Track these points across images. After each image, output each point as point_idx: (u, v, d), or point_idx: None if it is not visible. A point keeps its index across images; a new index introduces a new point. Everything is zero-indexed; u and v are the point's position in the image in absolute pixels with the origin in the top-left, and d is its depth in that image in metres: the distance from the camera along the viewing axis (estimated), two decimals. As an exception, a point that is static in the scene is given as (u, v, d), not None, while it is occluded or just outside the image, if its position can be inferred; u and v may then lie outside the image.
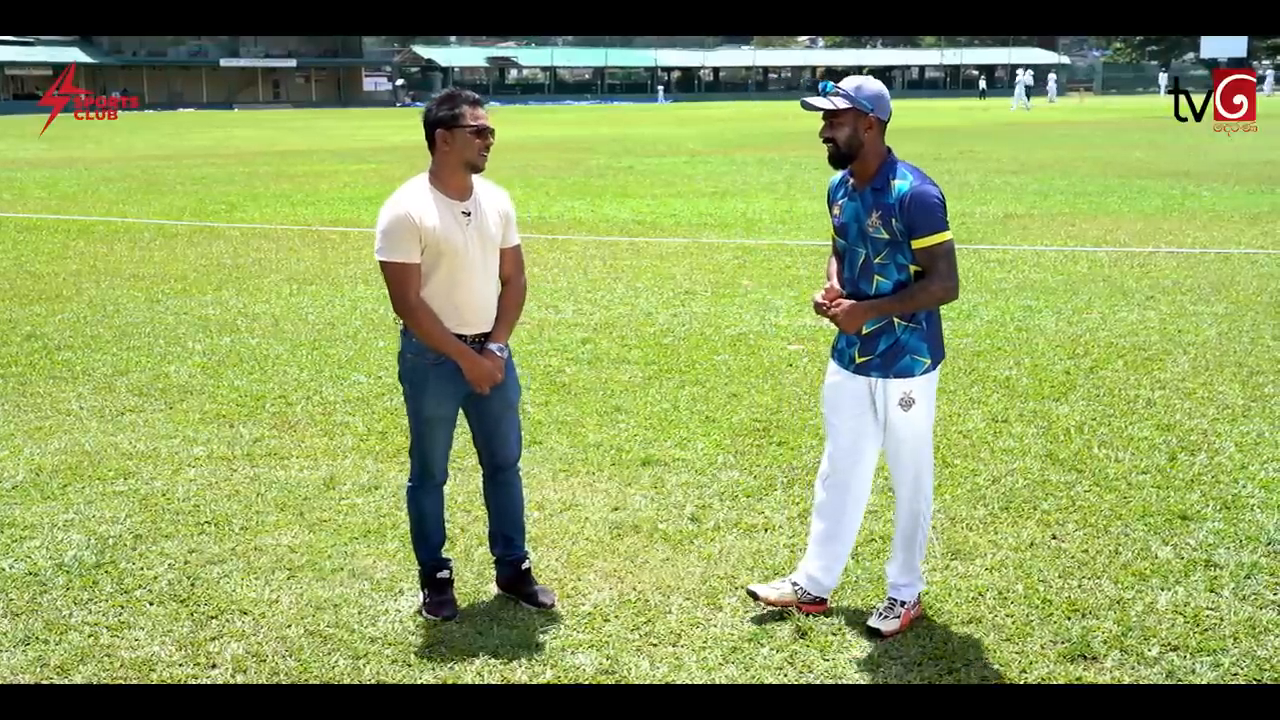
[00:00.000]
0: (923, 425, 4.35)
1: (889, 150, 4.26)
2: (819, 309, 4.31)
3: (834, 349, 4.48)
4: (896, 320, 4.25)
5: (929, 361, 4.29)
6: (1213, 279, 11.28)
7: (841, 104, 4.15)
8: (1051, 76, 73.08)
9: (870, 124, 4.18)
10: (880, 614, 4.46)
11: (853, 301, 4.25)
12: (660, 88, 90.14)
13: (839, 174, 4.43)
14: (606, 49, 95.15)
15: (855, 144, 4.19)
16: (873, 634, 4.39)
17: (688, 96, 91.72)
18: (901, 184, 4.16)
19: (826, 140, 4.22)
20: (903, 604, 4.47)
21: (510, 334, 4.55)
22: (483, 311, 4.44)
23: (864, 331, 4.28)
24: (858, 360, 4.32)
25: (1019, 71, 65.54)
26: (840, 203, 4.37)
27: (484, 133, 4.32)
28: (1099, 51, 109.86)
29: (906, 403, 4.28)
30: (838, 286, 4.35)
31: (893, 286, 4.23)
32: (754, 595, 4.56)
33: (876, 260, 4.23)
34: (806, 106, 4.27)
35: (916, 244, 4.16)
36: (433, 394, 4.43)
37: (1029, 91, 65.34)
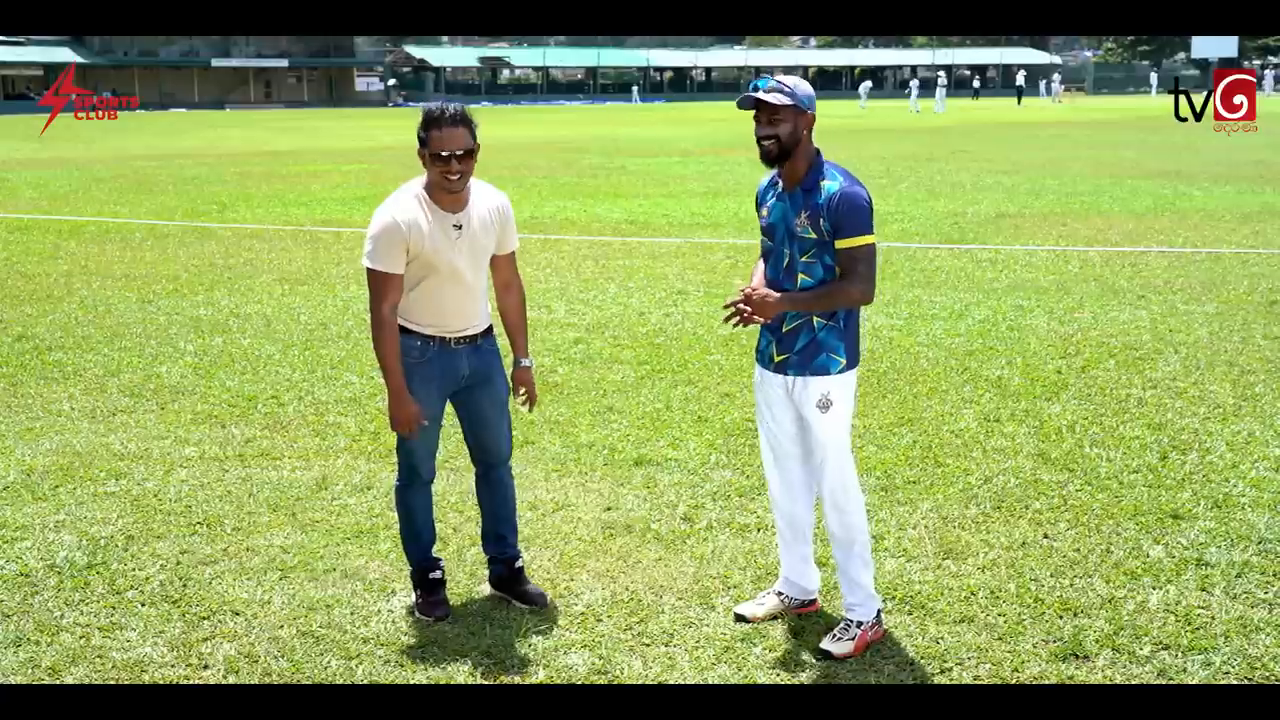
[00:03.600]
0: (842, 430, 4.28)
1: (818, 151, 4.24)
2: (739, 305, 4.16)
3: (756, 350, 4.45)
4: (815, 318, 4.21)
5: (845, 361, 4.24)
6: (1204, 278, 11.31)
7: (785, 101, 4.11)
8: (1056, 76, 73.56)
9: (808, 122, 4.17)
10: (834, 636, 4.33)
11: (768, 292, 4.17)
12: (634, 87, 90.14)
13: (768, 176, 4.40)
14: (599, 49, 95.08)
15: (794, 141, 4.15)
16: (824, 655, 4.26)
17: (682, 96, 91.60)
18: (831, 184, 4.14)
19: (768, 138, 4.14)
20: (858, 624, 4.33)
21: (528, 341, 4.71)
22: (466, 316, 4.43)
23: (784, 330, 4.25)
24: (776, 359, 4.30)
25: (934, 75, 66.48)
26: (769, 204, 4.33)
27: (447, 159, 4.19)
28: (1090, 52, 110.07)
29: (824, 404, 4.23)
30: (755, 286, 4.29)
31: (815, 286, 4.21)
32: (743, 619, 4.52)
33: (802, 259, 4.19)
34: (750, 103, 4.14)
35: (840, 244, 4.12)
36: (415, 392, 4.40)
37: (1021, 93, 65.56)
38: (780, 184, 4.30)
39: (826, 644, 4.29)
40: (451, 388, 4.48)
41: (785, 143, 4.15)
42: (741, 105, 4.20)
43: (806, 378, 4.23)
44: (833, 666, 4.20)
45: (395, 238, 4.21)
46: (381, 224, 4.23)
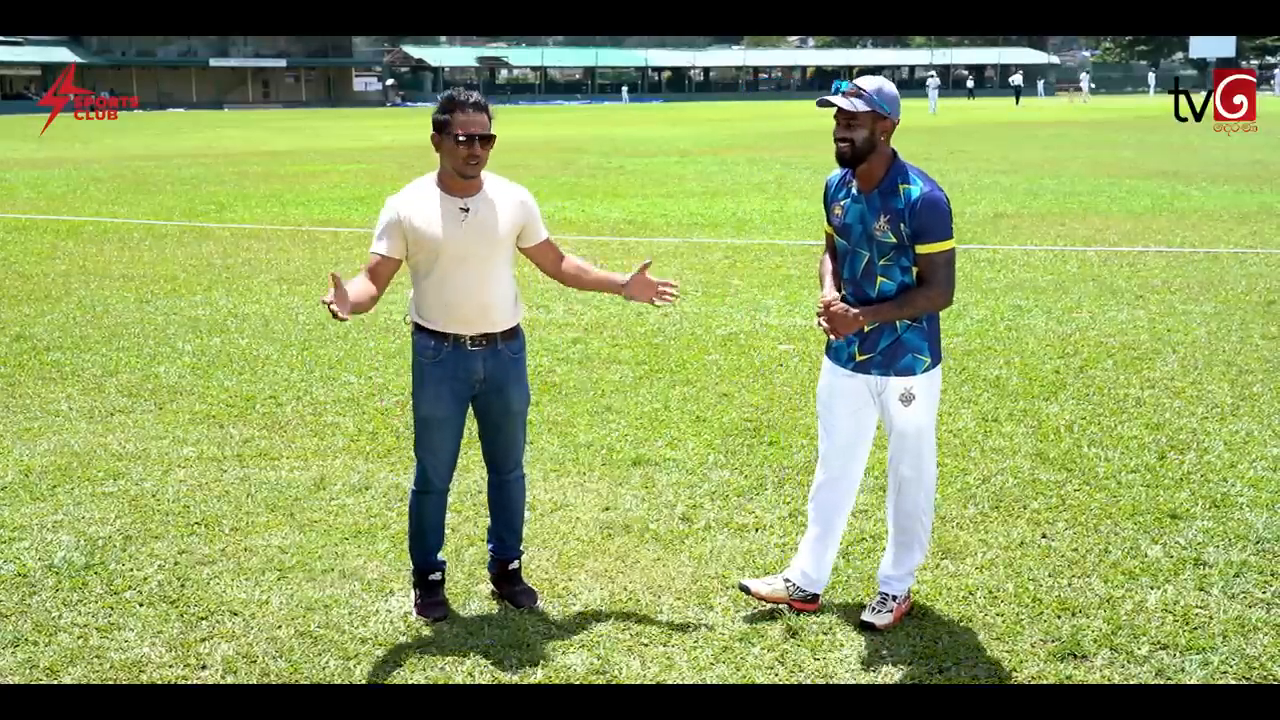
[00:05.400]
0: (924, 421, 4.37)
1: (895, 153, 4.27)
2: (820, 320, 4.31)
3: (829, 348, 4.48)
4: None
5: (929, 360, 4.32)
6: (1202, 278, 11.32)
7: (861, 106, 4.14)
8: (1084, 75, 73.70)
9: (887, 128, 4.20)
10: (873, 609, 4.50)
11: (848, 308, 4.24)
12: (624, 87, 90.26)
13: (837, 173, 4.42)
14: (597, 49, 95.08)
15: (869, 146, 4.18)
16: (866, 628, 4.42)
17: (680, 96, 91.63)
18: (912, 189, 4.17)
19: (842, 140, 4.19)
20: (894, 598, 4.51)
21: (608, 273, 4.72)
22: (480, 309, 4.37)
23: (865, 328, 4.29)
24: (858, 358, 4.34)
25: (926, 74, 67.42)
26: (842, 203, 4.36)
27: (470, 141, 4.25)
28: (1088, 51, 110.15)
29: (906, 398, 4.31)
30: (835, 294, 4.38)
31: (896, 289, 4.24)
32: (746, 590, 4.58)
33: (881, 262, 4.24)
34: (826, 104, 4.21)
35: (921, 249, 4.17)
36: (427, 391, 4.43)
37: (1019, 93, 65.71)
38: (854, 184, 4.32)
39: (868, 616, 4.47)
40: (466, 391, 4.44)
41: (859, 147, 4.18)
42: (820, 105, 4.25)
43: (890, 377, 4.30)
44: (829, 666, 4.20)
45: (391, 223, 4.32)
46: (385, 210, 4.38)
